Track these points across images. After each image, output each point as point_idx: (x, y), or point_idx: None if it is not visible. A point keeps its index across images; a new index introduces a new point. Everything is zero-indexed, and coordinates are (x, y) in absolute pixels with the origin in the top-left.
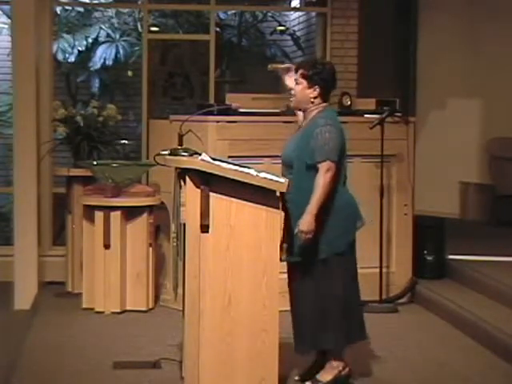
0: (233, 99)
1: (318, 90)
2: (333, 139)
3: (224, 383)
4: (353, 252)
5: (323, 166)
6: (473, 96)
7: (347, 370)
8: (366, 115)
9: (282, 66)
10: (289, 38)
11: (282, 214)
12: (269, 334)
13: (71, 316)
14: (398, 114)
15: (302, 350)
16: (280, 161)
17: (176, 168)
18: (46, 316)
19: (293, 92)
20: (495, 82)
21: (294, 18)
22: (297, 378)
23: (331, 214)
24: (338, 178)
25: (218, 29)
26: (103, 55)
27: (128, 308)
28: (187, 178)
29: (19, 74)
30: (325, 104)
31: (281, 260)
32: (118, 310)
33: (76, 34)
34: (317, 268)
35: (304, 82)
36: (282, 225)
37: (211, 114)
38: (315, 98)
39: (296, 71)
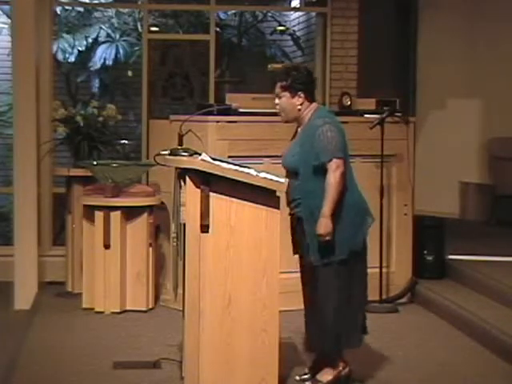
0: (233, 99)
1: (302, 95)
2: (335, 137)
3: (224, 383)
4: (365, 250)
5: (331, 165)
6: (473, 96)
7: (347, 369)
8: (365, 115)
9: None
10: (289, 37)
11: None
12: (269, 334)
13: (71, 316)
14: (398, 114)
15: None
16: (280, 161)
17: (176, 168)
18: (46, 316)
19: (278, 107)
20: (495, 82)
21: (294, 18)
22: (297, 378)
23: (344, 212)
24: (346, 176)
25: (218, 29)
26: (103, 55)
27: (128, 308)
28: (187, 178)
29: (19, 74)
30: (314, 104)
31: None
32: (118, 310)
33: (76, 34)
34: (336, 268)
35: (286, 93)
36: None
37: (211, 114)
38: (301, 104)
39: (273, 86)
